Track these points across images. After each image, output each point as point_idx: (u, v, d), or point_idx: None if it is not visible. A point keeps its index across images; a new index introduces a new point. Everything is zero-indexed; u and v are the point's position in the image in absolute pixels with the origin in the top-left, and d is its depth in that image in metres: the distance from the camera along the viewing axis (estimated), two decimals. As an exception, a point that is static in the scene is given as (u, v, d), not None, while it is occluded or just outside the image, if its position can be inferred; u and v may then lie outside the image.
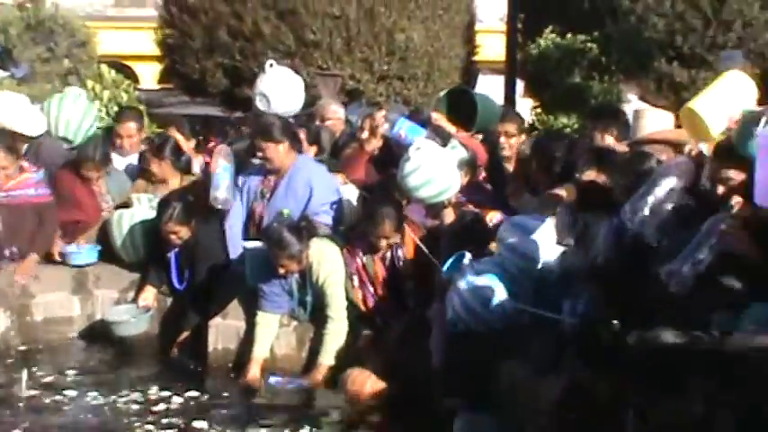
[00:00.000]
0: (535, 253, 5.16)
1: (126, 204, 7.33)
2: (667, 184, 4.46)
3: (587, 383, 4.15)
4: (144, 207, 7.19)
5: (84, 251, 7.19)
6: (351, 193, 6.69)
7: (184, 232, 6.73)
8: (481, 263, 5.40)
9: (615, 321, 4.05)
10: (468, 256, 5.42)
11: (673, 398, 3.14)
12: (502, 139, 6.79)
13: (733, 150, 4.57)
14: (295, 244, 6.05)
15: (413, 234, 6.15)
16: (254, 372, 6.14)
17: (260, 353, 6.22)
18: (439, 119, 6.91)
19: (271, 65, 7.71)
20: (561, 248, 5.12)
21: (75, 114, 8.01)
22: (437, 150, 6.14)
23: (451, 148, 6.47)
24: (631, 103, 9.80)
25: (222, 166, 6.73)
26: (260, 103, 7.55)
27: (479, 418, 4.92)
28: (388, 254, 6.17)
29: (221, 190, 6.68)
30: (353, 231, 6.43)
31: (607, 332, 4.07)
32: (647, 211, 4.38)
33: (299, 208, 6.50)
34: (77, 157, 7.41)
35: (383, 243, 6.09)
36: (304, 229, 6.18)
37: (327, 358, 6.08)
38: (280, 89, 7.56)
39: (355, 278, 6.20)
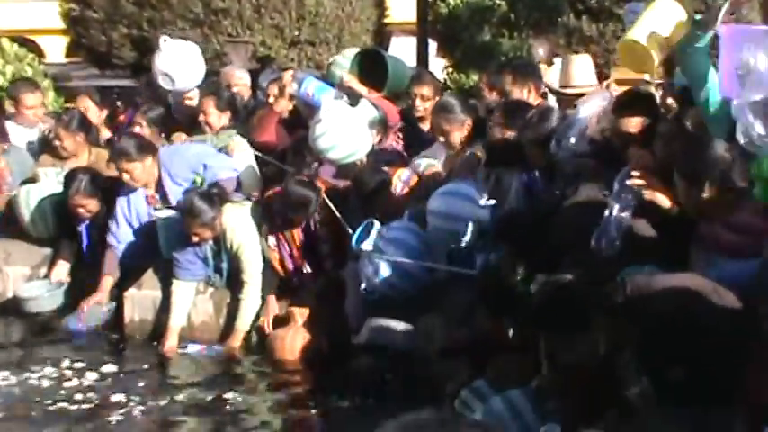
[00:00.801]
0: (461, 214, 5.12)
1: (32, 180, 7.15)
2: (589, 108, 4.48)
3: (496, 331, 4.20)
4: (51, 181, 7.03)
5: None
6: (249, 159, 6.63)
7: (93, 205, 6.60)
8: (391, 229, 5.38)
9: (521, 269, 4.10)
10: (376, 224, 5.39)
11: (577, 340, 3.18)
12: (417, 102, 6.77)
13: (633, 102, 4.64)
14: (207, 211, 5.99)
15: (325, 197, 6.11)
16: (171, 341, 6.10)
17: (177, 322, 6.17)
18: (350, 80, 6.87)
19: (165, 40, 7.57)
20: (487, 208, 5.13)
21: None
22: (347, 111, 6.11)
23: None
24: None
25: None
26: (163, 82, 7.43)
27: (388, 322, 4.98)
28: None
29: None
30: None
31: (514, 280, 4.12)
32: (572, 140, 4.40)
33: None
34: None
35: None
36: (215, 195, 6.12)
37: (244, 323, 6.06)
38: (180, 64, 7.44)
39: (272, 239, 6.15)
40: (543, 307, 3.44)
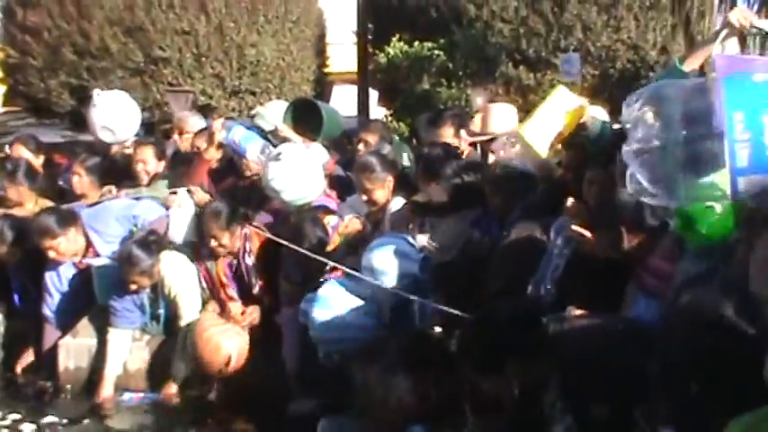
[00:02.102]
0: (397, 269, 5.13)
1: None
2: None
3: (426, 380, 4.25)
4: None
5: None
6: (189, 208, 6.65)
7: (3, 250, 6.53)
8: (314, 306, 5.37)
9: (437, 329, 4.19)
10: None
11: (493, 380, 3.23)
12: (360, 147, 6.86)
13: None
14: (145, 259, 5.99)
15: (258, 240, 6.13)
16: (107, 390, 6.07)
17: (113, 370, 6.13)
18: (284, 129, 6.94)
19: (98, 94, 7.59)
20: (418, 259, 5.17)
21: None
22: (300, 154, 6.18)
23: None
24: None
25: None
26: (105, 136, 7.44)
27: (340, 420, 4.94)
28: (234, 261, 6.15)
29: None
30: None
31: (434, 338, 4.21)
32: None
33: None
34: None
35: (214, 243, 6.06)
36: (153, 243, 6.12)
37: (179, 370, 6.04)
38: (118, 116, 7.47)
39: (204, 285, 6.15)
40: (462, 347, 3.49)
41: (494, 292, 4.15)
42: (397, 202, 5.73)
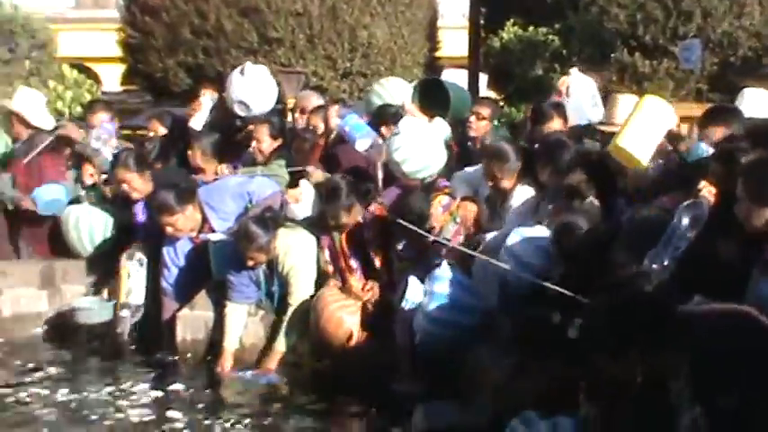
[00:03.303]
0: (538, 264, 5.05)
1: (77, 201, 7.26)
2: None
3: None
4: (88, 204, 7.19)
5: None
6: (308, 195, 6.74)
7: (136, 182, 6.81)
8: (434, 280, 5.34)
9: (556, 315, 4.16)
10: (412, 281, 5.38)
11: (618, 364, 3.18)
12: (472, 119, 6.90)
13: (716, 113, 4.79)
14: (262, 235, 6.08)
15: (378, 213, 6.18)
16: (225, 363, 6.17)
17: (230, 344, 6.24)
18: (412, 109, 6.98)
19: (242, 72, 7.71)
20: None
21: None
22: (424, 127, 6.23)
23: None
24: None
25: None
26: (239, 110, 7.59)
27: (441, 405, 4.93)
28: (355, 238, 6.21)
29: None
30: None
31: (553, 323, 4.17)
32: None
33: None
34: None
35: (332, 222, 6.12)
36: (269, 219, 6.21)
37: (282, 345, 6.14)
38: (257, 92, 7.60)
39: (328, 256, 6.24)
40: (588, 330, 3.44)
41: (617, 268, 4.07)
42: (523, 191, 5.68)
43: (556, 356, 4.14)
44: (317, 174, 6.65)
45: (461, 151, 6.91)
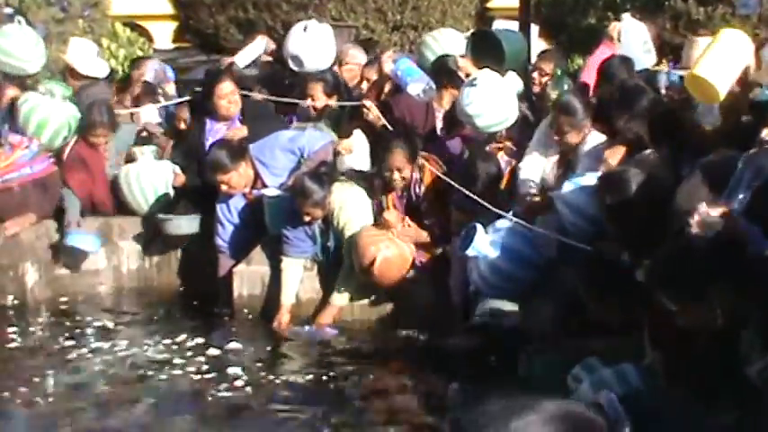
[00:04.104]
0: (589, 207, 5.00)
1: (131, 159, 7.28)
2: None
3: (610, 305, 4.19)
4: (147, 159, 7.20)
5: (82, 234, 6.98)
6: (363, 145, 6.74)
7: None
8: (496, 231, 5.32)
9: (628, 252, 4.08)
10: (479, 229, 5.31)
11: (693, 307, 3.13)
12: (534, 74, 6.82)
13: None
14: (318, 191, 6.10)
15: (433, 170, 6.17)
16: (283, 318, 6.22)
17: (287, 299, 6.28)
18: (465, 65, 6.93)
19: (305, 28, 7.71)
20: None
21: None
22: (496, 81, 6.18)
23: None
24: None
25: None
26: (293, 64, 7.60)
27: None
28: (404, 193, 6.21)
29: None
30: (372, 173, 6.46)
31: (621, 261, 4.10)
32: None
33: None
34: (85, 124, 7.17)
35: (396, 176, 6.11)
36: (324, 175, 6.23)
37: (338, 299, 6.18)
38: (314, 51, 7.60)
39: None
40: (662, 269, 3.38)
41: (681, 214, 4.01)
42: (595, 137, 5.59)
43: (621, 301, 4.11)
44: (374, 110, 6.63)
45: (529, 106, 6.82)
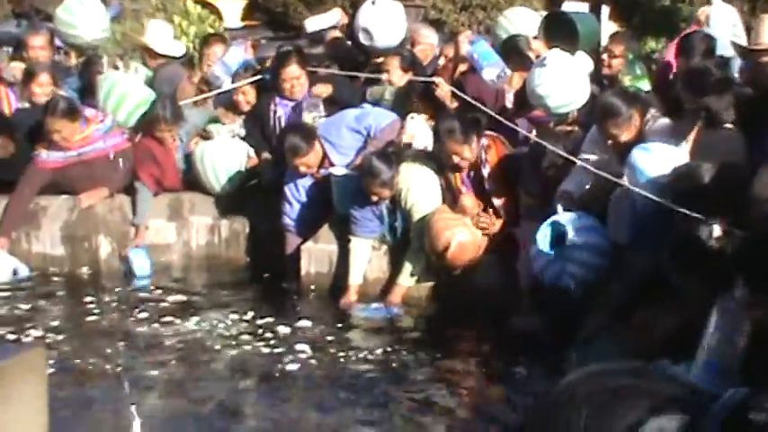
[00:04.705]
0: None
1: (206, 136, 7.36)
2: None
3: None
4: (223, 138, 7.27)
5: (143, 257, 7.01)
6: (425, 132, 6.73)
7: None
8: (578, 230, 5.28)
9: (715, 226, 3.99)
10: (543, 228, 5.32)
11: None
12: (604, 56, 6.74)
13: None
14: (386, 171, 6.11)
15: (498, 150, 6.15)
16: (350, 297, 6.26)
17: (355, 279, 6.32)
18: (538, 46, 6.88)
19: (373, 2, 7.72)
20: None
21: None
22: (568, 61, 6.14)
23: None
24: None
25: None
26: (362, 38, 7.61)
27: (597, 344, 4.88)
28: (472, 173, 6.19)
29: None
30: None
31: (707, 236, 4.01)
32: None
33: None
34: (150, 118, 7.21)
35: (456, 159, 6.08)
36: (392, 154, 6.24)
37: (406, 279, 6.19)
38: (383, 24, 7.61)
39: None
40: (744, 253, 3.32)
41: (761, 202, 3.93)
42: (661, 120, 5.48)
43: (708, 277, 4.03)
44: (444, 86, 6.64)
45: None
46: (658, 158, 4.90)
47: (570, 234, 5.21)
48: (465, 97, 6.45)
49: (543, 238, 5.31)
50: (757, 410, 2.49)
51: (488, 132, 6.19)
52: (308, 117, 6.96)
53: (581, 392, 0.95)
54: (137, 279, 6.90)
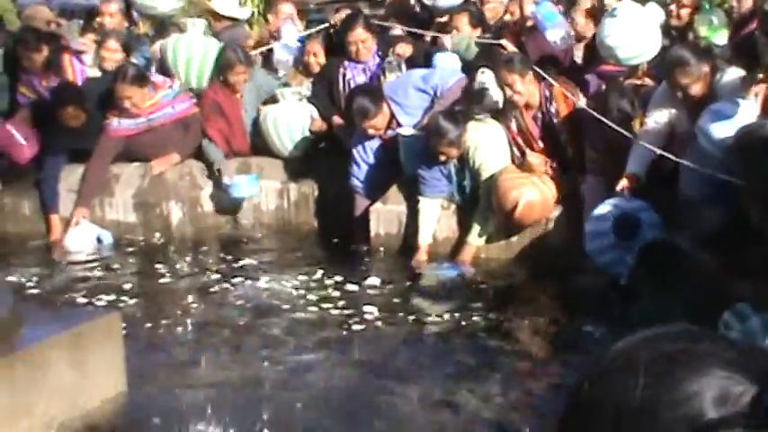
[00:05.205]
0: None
1: (274, 100, 7.30)
2: None
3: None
4: (289, 101, 7.21)
5: (243, 182, 7.08)
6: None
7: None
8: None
9: None
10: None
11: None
12: (672, 7, 6.58)
13: None
14: (453, 130, 6.06)
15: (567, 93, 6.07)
16: (421, 257, 6.24)
17: (424, 239, 6.30)
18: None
19: None
20: None
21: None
22: (639, 12, 6.04)
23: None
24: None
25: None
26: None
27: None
28: (539, 114, 6.13)
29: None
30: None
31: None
32: None
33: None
34: (223, 65, 7.24)
35: (509, 92, 6.03)
36: (459, 113, 6.18)
37: (475, 238, 6.16)
38: None
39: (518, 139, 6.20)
40: None
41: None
42: (733, 71, 5.36)
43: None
44: (510, 48, 6.57)
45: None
46: (731, 126, 4.78)
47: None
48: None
49: (604, 222, 5.23)
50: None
51: (555, 83, 6.10)
52: (390, 77, 6.91)
53: (637, 359, 0.91)
54: (242, 200, 7.17)
